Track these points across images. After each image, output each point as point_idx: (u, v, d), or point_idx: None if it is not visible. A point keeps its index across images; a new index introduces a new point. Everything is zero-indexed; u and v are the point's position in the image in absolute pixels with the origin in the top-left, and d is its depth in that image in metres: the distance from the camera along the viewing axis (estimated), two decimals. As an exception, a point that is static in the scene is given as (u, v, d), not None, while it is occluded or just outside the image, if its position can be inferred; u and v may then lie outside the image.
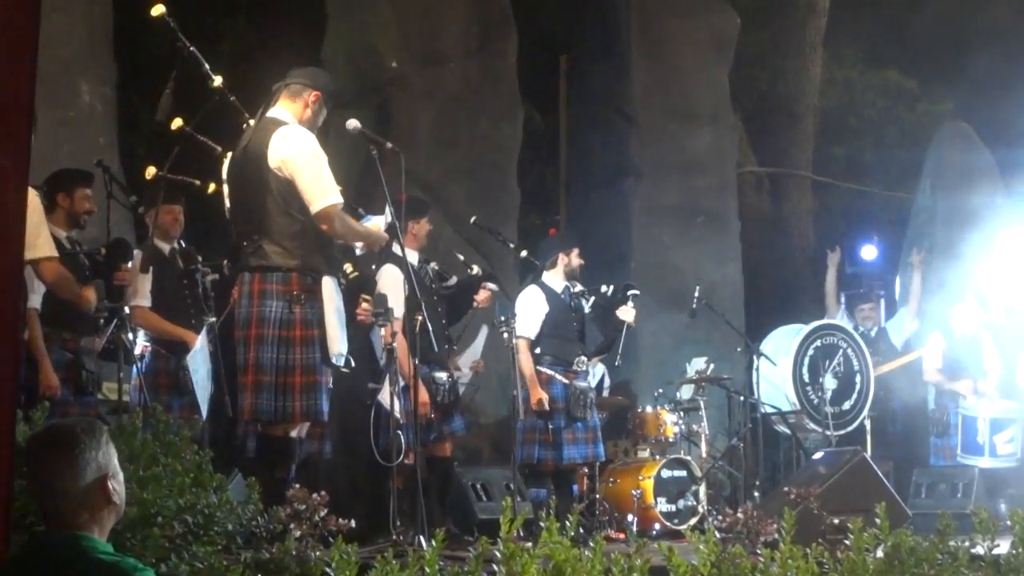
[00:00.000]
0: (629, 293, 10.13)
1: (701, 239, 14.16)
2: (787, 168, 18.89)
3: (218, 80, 7.46)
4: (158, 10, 7.27)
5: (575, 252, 9.96)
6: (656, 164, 14.20)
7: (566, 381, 9.62)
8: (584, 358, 9.78)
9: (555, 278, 9.87)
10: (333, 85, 7.42)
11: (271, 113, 7.07)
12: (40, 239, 6.64)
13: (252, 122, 7.14)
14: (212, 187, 7.96)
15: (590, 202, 14.68)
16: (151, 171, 8.14)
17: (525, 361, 9.36)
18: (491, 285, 9.57)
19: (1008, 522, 7.07)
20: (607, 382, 12.27)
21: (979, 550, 6.85)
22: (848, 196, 19.77)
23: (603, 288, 10.08)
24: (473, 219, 10.51)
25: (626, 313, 10.02)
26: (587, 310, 10.11)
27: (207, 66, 7.45)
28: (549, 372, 9.55)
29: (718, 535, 6.46)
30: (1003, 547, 6.93)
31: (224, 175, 7.21)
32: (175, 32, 7.36)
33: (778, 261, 18.13)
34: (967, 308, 12.75)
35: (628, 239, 14.01)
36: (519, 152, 13.37)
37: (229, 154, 7.22)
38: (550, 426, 9.50)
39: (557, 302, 9.77)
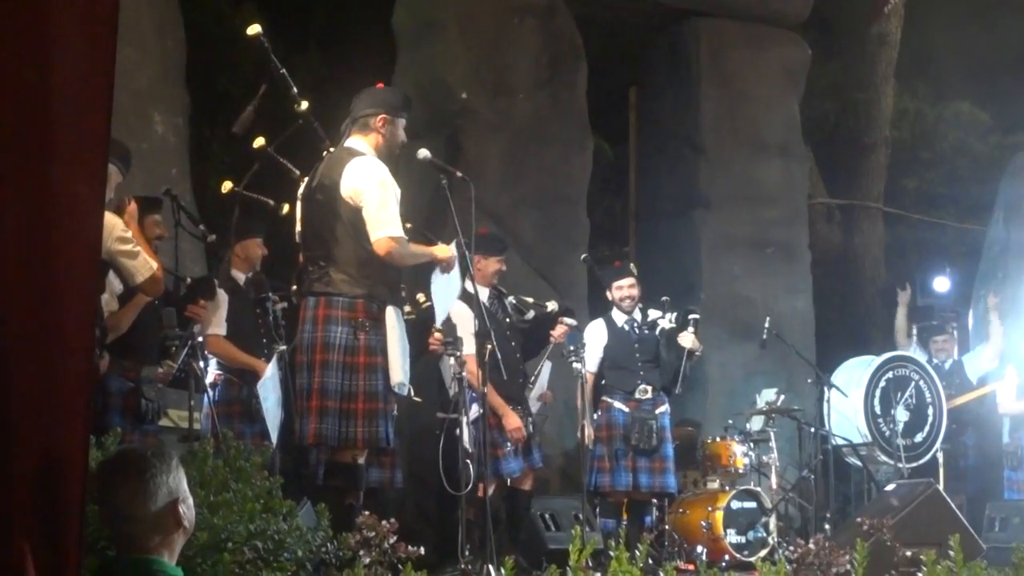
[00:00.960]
0: (690, 318, 10.09)
1: (771, 270, 14.08)
2: (858, 200, 18.77)
3: (305, 104, 7.52)
4: (254, 29, 7.34)
5: (624, 283, 9.98)
6: (725, 195, 14.15)
7: (627, 409, 9.62)
8: (647, 387, 9.77)
9: (617, 311, 9.95)
10: (395, 97, 7.42)
11: (348, 143, 7.14)
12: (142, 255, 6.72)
13: (332, 150, 7.21)
14: (286, 208, 8.03)
15: (659, 233, 14.64)
16: (227, 185, 8.22)
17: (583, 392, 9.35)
18: (569, 320, 9.58)
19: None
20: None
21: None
22: (920, 228, 19.62)
23: (663, 315, 10.05)
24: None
25: (686, 339, 9.99)
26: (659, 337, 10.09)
27: (295, 89, 7.50)
28: (609, 400, 9.55)
29: (789, 566, 6.41)
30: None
31: (299, 198, 7.27)
32: (267, 52, 7.40)
33: (849, 293, 18.02)
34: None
35: (698, 270, 13.95)
36: (588, 183, 13.37)
37: (305, 179, 7.28)
38: (610, 454, 9.50)
39: (618, 333, 9.81)
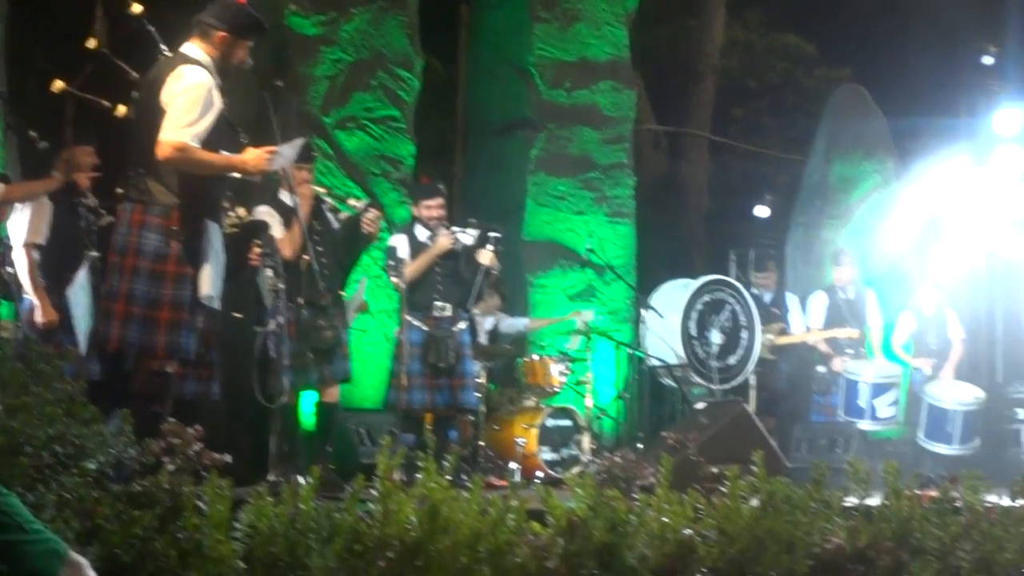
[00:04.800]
0: (490, 235, 10.02)
1: (596, 194, 14.15)
2: (686, 128, 18.98)
3: (138, 7, 7.32)
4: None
5: (434, 202, 9.89)
6: (553, 116, 14.17)
7: (425, 328, 9.58)
8: (446, 304, 9.73)
9: (419, 226, 9.85)
10: (245, 18, 7.13)
11: (184, 48, 6.98)
12: None
13: (169, 54, 7.05)
14: (122, 110, 7.82)
15: (486, 153, 14.64)
16: (58, 84, 8.00)
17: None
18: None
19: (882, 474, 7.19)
20: (501, 330, 12.26)
21: (852, 500, 6.94)
22: (745, 157, 19.92)
23: (470, 231, 9.97)
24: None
25: (485, 256, 9.93)
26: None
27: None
28: (408, 318, 9.45)
29: (596, 479, 6.49)
30: (876, 500, 7.05)
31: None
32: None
33: (673, 219, 18.23)
34: (847, 270, 12.93)
35: (523, 191, 13.98)
36: (417, 102, 13.27)
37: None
38: (412, 371, 9.46)
39: (419, 249, 9.72)
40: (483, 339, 11.77)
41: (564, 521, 5.90)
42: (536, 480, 10.25)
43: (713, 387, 11.59)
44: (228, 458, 5.77)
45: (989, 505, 7.30)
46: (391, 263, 9.50)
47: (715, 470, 7.08)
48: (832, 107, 16.39)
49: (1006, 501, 7.43)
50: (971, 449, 12.56)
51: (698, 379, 11.78)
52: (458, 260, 9.88)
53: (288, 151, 7.35)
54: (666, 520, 6.12)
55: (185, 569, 5.15)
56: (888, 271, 14.92)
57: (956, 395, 12.66)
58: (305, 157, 8.80)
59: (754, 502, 6.53)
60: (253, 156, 7.05)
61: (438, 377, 9.64)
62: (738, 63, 20.94)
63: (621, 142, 14.48)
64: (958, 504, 7.21)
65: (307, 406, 9.11)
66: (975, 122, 15.68)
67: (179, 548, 5.15)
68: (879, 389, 12.34)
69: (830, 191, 15.73)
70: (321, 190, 9.04)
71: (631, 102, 14.75)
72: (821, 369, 12.68)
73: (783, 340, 12.62)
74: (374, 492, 5.65)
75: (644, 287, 12.97)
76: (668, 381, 12.05)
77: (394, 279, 9.35)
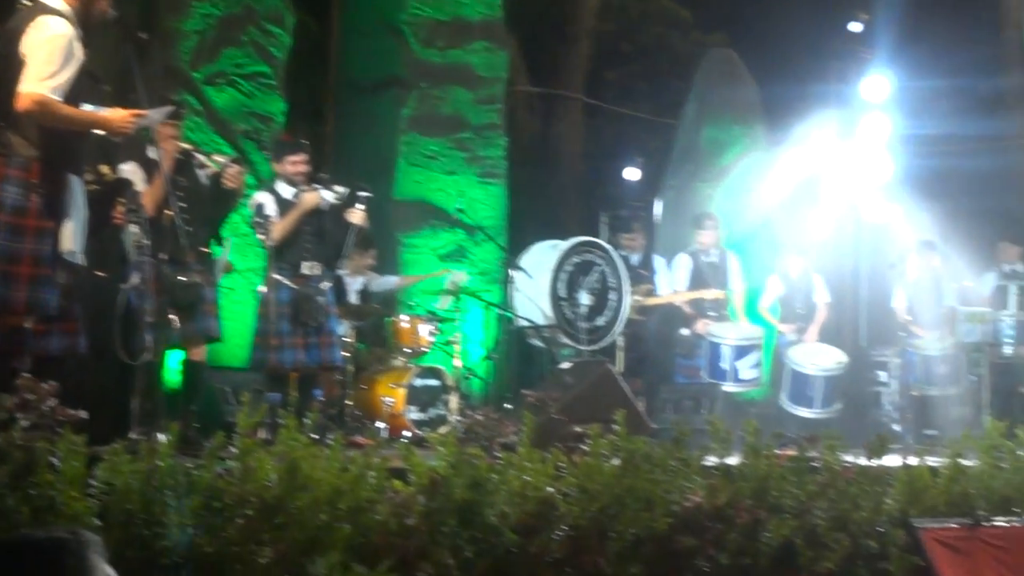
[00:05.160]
0: (360, 195, 9.95)
1: (468, 154, 14.15)
2: (559, 90, 19.00)
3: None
4: None
5: (299, 158, 9.78)
6: (426, 75, 14.13)
7: (294, 286, 9.51)
8: (314, 263, 9.66)
9: (283, 183, 9.75)
10: None
11: (45, -1, 6.83)
12: None
13: (28, 2, 6.89)
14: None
15: (358, 111, 14.55)
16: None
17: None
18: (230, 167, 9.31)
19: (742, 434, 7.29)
20: (372, 289, 12.22)
21: (712, 460, 7.03)
22: (618, 120, 19.99)
23: (337, 188, 9.88)
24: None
25: (355, 216, 9.86)
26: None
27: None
28: (276, 277, 9.36)
29: (458, 436, 6.50)
30: (736, 459, 7.14)
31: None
32: None
33: (545, 181, 18.26)
34: (710, 234, 13.05)
35: (394, 150, 13.93)
36: (289, 59, 13.15)
37: None
38: (276, 330, 9.38)
39: (285, 207, 9.62)
40: (353, 299, 11.72)
41: (425, 479, 5.91)
42: (403, 439, 10.26)
43: (581, 348, 11.63)
44: (83, 414, 5.70)
45: (846, 465, 7.44)
46: (258, 220, 9.41)
47: (578, 429, 7.12)
48: (703, 72, 16.51)
49: (863, 461, 7.57)
50: (833, 412, 12.78)
51: (566, 340, 11.80)
52: (326, 219, 9.80)
53: (155, 115, 7.26)
54: (527, 478, 6.15)
55: (38, 526, 5.08)
56: (757, 235, 15.12)
57: (818, 360, 12.86)
58: (173, 114, 8.68)
59: (615, 461, 6.59)
60: (118, 117, 6.93)
61: (307, 336, 9.57)
62: (613, 26, 20.97)
63: (493, 103, 14.48)
64: (816, 463, 7.33)
65: (173, 364, 9.02)
66: (844, 89, 15.91)
67: (32, 505, 5.08)
68: (741, 351, 12.49)
69: (701, 155, 15.87)
70: (187, 146, 8.92)
71: (504, 63, 14.75)
72: (684, 332, 12.79)
73: (651, 301, 12.71)
74: (233, 449, 5.62)
75: (515, 248, 12.96)
76: (537, 342, 12.07)
77: (260, 236, 9.26)
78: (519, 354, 12.09)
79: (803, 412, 12.69)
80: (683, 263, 12.97)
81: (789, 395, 12.86)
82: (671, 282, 12.89)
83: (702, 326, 12.63)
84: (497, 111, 14.51)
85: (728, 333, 12.54)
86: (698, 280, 12.82)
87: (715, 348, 12.52)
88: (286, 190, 9.68)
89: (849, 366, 13.05)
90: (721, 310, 12.84)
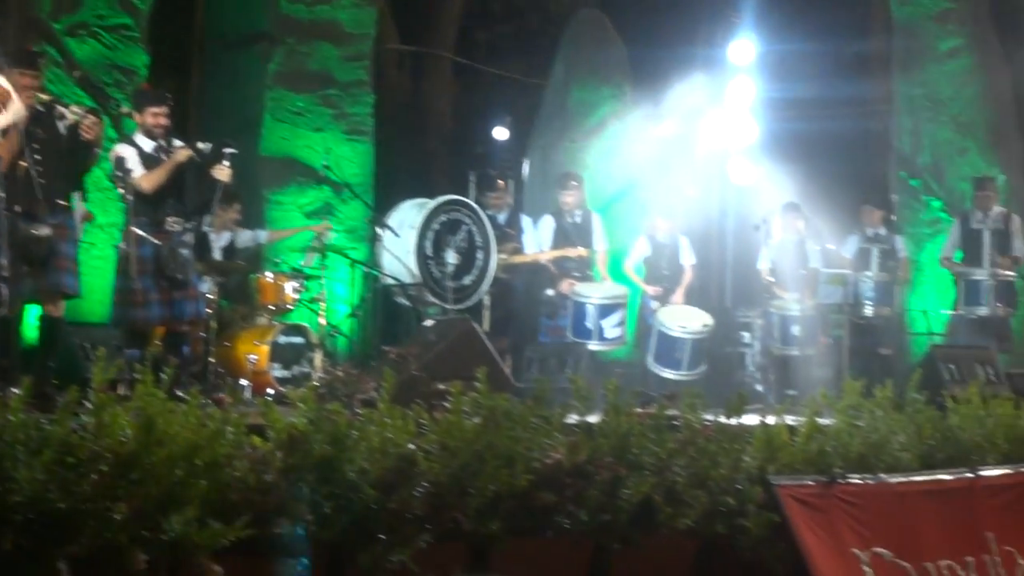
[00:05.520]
0: (225, 151, 9.79)
1: (334, 110, 14.03)
2: (429, 48, 18.90)
3: None
4: None
5: (161, 110, 9.61)
6: (292, 31, 13.97)
7: (158, 241, 9.35)
8: (178, 218, 9.51)
9: (142, 136, 9.57)
10: None
11: None
12: None
13: None
14: None
15: (224, 66, 14.37)
16: None
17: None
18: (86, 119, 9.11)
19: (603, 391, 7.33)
20: (238, 245, 12.08)
21: (574, 418, 7.06)
22: (488, 80, 19.93)
23: (200, 145, 9.71)
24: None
25: (220, 172, 9.71)
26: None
27: None
28: (139, 232, 9.20)
29: (317, 392, 6.47)
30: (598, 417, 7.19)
31: None
32: None
33: (415, 139, 18.18)
34: (573, 194, 13.09)
35: (260, 106, 13.77)
36: (153, 11, 12.92)
37: None
38: (141, 286, 9.24)
39: (147, 160, 9.45)
40: (217, 255, 11.59)
41: (284, 435, 5.87)
42: (267, 397, 10.18)
43: (447, 307, 11.61)
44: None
45: (706, 423, 7.51)
46: (118, 174, 9.23)
47: (441, 387, 7.12)
48: (571, 32, 16.51)
49: (723, 420, 7.65)
50: (698, 375, 12.90)
51: (433, 299, 11.76)
52: (189, 174, 9.65)
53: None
54: (388, 435, 6.13)
55: None
56: (625, 196, 15.20)
57: (685, 323, 12.94)
58: (29, 63, 8.50)
59: (477, 419, 6.59)
60: None
61: (171, 291, 9.43)
62: (483, -16, 20.91)
63: (361, 59, 14.36)
64: (676, 422, 7.39)
65: (31, 319, 8.87)
66: (712, 52, 16.00)
67: None
68: (605, 310, 12.55)
69: (568, 115, 15.88)
70: (47, 97, 8.73)
71: (372, 19, 14.63)
72: (549, 292, 12.84)
73: (516, 259, 12.72)
74: (88, 405, 5.54)
75: (383, 206, 12.86)
76: (403, 300, 12.00)
77: (120, 190, 9.09)
78: (385, 312, 12.03)
79: (669, 374, 12.78)
80: (547, 224, 13.00)
81: (655, 356, 12.95)
82: (537, 242, 12.91)
83: (567, 286, 12.68)
84: (365, 68, 14.39)
85: (592, 292, 12.60)
86: (562, 240, 12.85)
87: (580, 307, 12.57)
88: (146, 142, 9.51)
89: (714, 329, 13.16)
90: (585, 270, 12.89)
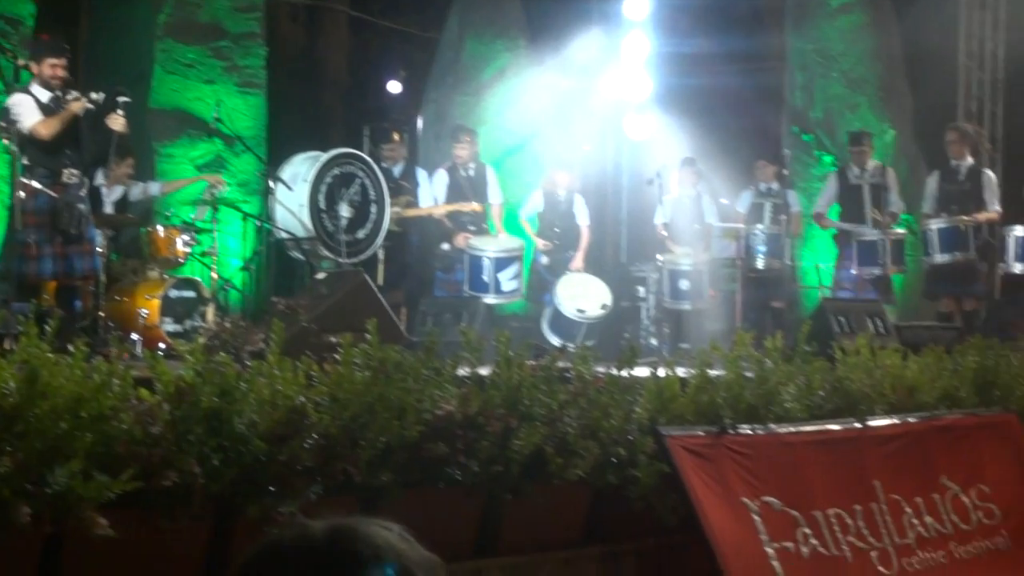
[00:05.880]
0: (119, 100, 9.67)
1: (226, 62, 13.86)
2: (324, 1, 18.74)
3: None
4: None
5: (59, 61, 9.46)
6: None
7: (53, 194, 9.22)
8: (74, 171, 9.38)
9: (39, 86, 9.42)
10: None
11: None
12: None
13: None
14: None
15: (112, 17, 14.15)
16: None
17: None
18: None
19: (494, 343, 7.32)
20: (131, 198, 11.92)
21: (465, 370, 7.06)
22: (384, 34, 19.81)
23: (93, 95, 9.58)
24: None
25: (115, 122, 9.59)
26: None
27: None
28: (34, 184, 9.07)
29: (206, 345, 6.40)
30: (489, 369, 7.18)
31: None
32: None
33: (309, 93, 18.05)
34: (466, 147, 13.09)
35: (150, 57, 13.57)
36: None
37: None
38: (34, 239, 9.11)
39: (46, 111, 9.31)
40: (108, 209, 11.46)
41: (172, 388, 5.80)
42: (158, 352, 10.06)
43: (341, 261, 11.55)
44: None
45: (598, 374, 7.54)
46: (2, 125, 9.07)
47: (332, 339, 7.07)
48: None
49: (615, 372, 7.68)
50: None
51: (326, 252, 11.70)
52: (85, 125, 9.52)
53: None
54: (277, 387, 6.08)
55: None
56: (519, 150, 15.20)
57: (582, 304, 12.89)
58: None
59: (368, 371, 6.56)
60: None
61: (65, 245, 9.32)
62: (379, -61, 20.75)
63: (253, 11, 14.19)
64: (568, 374, 7.41)
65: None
66: (607, 6, 16.03)
67: None
68: (501, 263, 12.57)
69: (462, 69, 15.83)
70: None
71: (264, -30, 14.47)
72: (444, 247, 12.83)
73: (409, 213, 12.69)
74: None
75: (277, 160, 12.75)
76: (296, 254, 11.94)
77: (5, 140, 8.94)
78: (278, 266, 11.94)
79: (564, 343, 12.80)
80: (441, 178, 13.00)
81: (551, 325, 12.97)
82: (431, 196, 12.89)
83: (462, 240, 12.67)
84: (257, 20, 14.22)
85: (488, 246, 12.61)
86: (455, 194, 12.86)
87: (475, 261, 12.58)
88: (42, 93, 9.36)
89: (612, 309, 13.15)
90: (481, 224, 12.89)
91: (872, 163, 13.83)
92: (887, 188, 13.68)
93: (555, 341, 12.69)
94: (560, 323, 12.88)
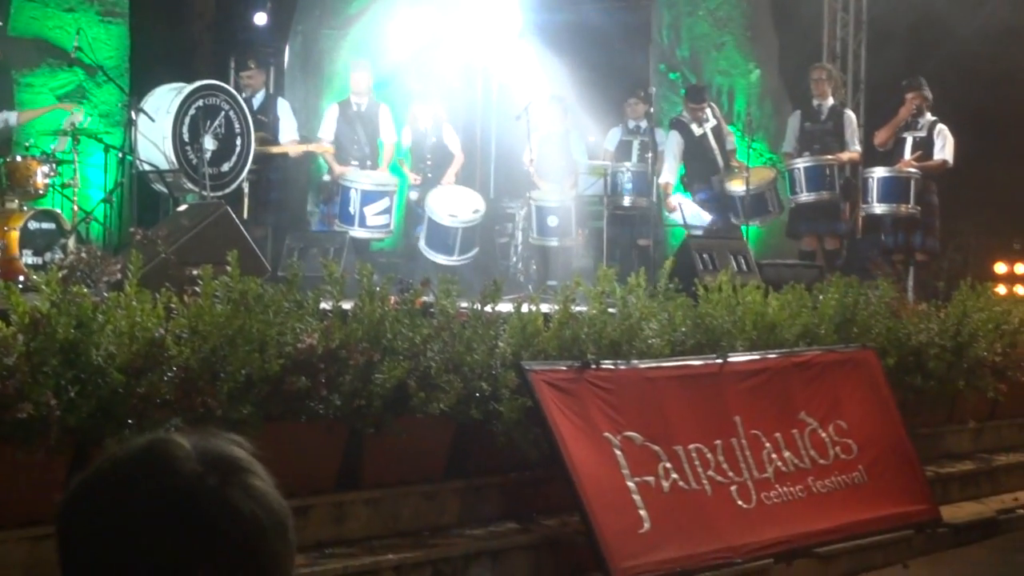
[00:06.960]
0: None
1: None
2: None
3: None
4: None
5: None
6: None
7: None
8: None
9: None
10: None
11: None
12: None
13: None
14: None
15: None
16: None
17: None
18: None
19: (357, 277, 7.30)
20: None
21: (328, 304, 7.02)
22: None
23: None
24: None
25: None
26: None
27: None
28: None
29: (61, 275, 6.29)
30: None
31: None
32: None
33: (175, 24, 17.71)
34: (361, 77, 13.05)
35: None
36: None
37: None
38: None
39: None
40: (-36, 139, 11.22)
41: (27, 318, 5.71)
42: (18, 284, 9.89)
43: (205, 193, 11.41)
44: None
45: (461, 309, 7.55)
46: None
47: (194, 271, 6.99)
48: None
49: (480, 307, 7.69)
50: (470, 259, 12.98)
51: (190, 185, 11.56)
52: None
53: None
54: (136, 319, 6.01)
55: None
56: (386, 85, 15.08)
57: (455, 210, 12.96)
58: None
59: (228, 303, 6.50)
60: None
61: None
62: None
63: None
64: (431, 308, 7.41)
65: None
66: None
67: None
68: (369, 196, 12.56)
69: (327, 2, 15.67)
70: None
71: None
72: (326, 178, 12.81)
73: (271, 150, 12.61)
74: None
75: (142, 91, 12.51)
76: (159, 187, 11.78)
77: None
78: (141, 199, 11.73)
79: (441, 259, 12.83)
80: (331, 112, 12.97)
81: (427, 241, 12.98)
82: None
83: (339, 172, 12.67)
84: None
85: (359, 178, 12.63)
86: (344, 128, 12.86)
87: (345, 192, 12.59)
88: None
89: (486, 213, 13.23)
90: (372, 160, 12.93)
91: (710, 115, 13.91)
92: (723, 136, 13.86)
93: (433, 257, 12.73)
94: (436, 236, 12.92)
